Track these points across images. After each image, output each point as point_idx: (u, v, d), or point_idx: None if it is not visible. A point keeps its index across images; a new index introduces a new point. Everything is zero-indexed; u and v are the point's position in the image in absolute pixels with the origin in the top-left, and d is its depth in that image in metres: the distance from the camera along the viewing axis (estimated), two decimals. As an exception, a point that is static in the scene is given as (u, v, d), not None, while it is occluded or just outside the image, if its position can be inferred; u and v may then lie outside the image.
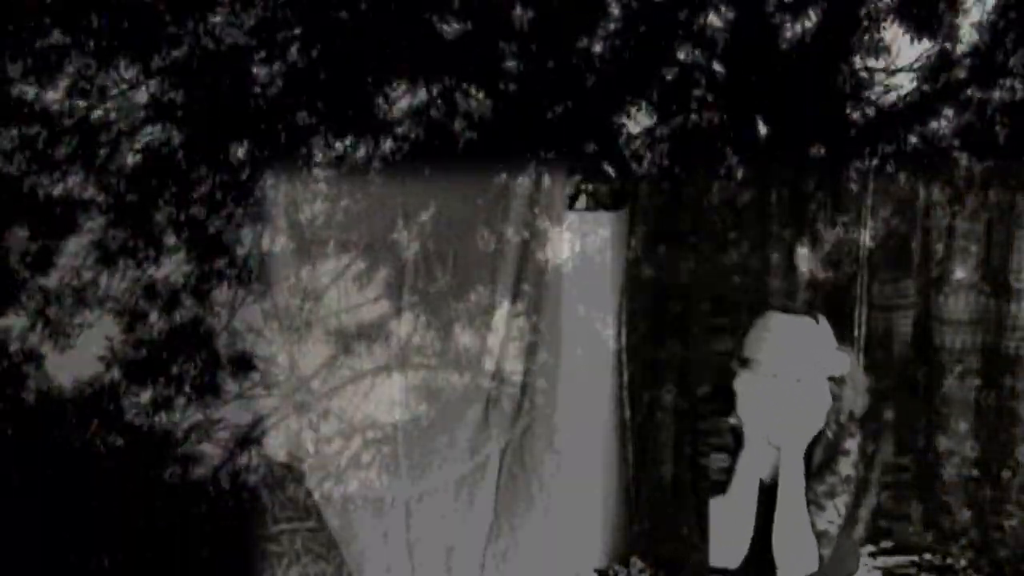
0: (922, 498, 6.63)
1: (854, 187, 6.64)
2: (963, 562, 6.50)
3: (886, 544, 6.62)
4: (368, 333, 6.33)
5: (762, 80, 7.05)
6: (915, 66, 7.16)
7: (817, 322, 3.42)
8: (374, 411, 6.29)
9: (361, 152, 7.02)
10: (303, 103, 6.93)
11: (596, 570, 6.77)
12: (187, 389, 6.89)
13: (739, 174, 6.95)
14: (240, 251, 7.02)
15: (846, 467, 3.46)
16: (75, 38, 6.84)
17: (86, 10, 6.77)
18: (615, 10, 7.11)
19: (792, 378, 3.36)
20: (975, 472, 6.55)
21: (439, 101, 7.08)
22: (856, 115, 7.13)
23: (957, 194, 6.55)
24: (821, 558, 3.44)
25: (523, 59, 7.03)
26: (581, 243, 6.74)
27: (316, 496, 6.09)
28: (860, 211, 6.59)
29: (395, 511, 6.21)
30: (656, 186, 6.75)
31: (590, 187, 6.93)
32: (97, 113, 6.98)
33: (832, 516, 3.43)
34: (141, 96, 6.99)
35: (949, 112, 7.03)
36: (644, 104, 7.16)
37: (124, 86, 6.97)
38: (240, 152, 6.97)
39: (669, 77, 7.15)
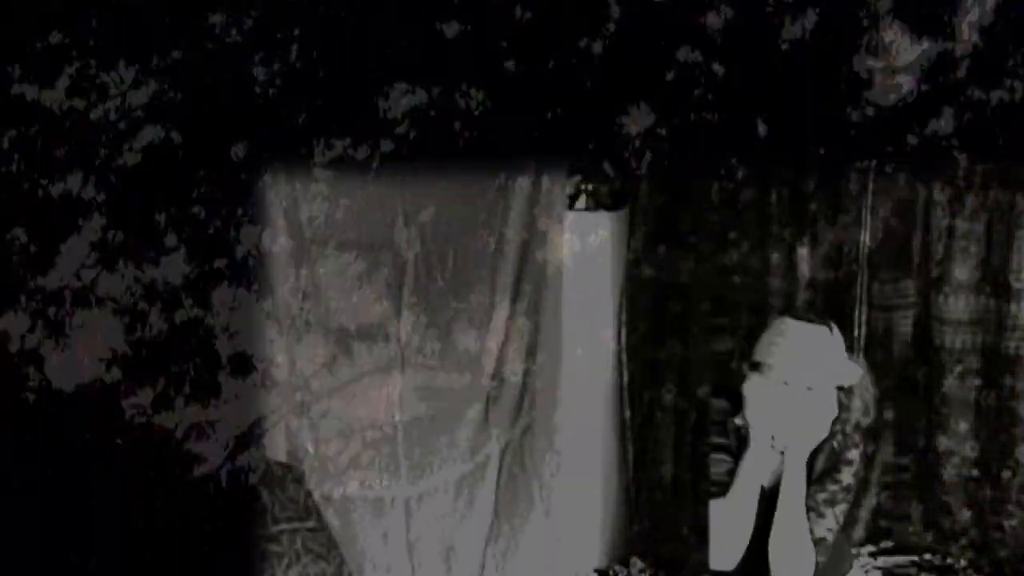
0: (922, 498, 6.63)
1: (854, 187, 6.65)
2: (963, 562, 6.50)
3: (886, 544, 6.62)
4: (368, 333, 6.32)
5: (762, 80, 7.04)
6: (915, 66, 7.15)
7: (831, 332, 3.42)
8: (374, 411, 6.28)
9: (360, 152, 7.01)
10: (302, 103, 6.92)
11: (596, 570, 6.77)
12: (187, 389, 6.87)
13: (739, 174, 6.95)
14: (240, 251, 7.01)
15: (847, 476, 3.47)
16: (74, 38, 6.83)
17: (85, 10, 6.76)
18: (615, 10, 7.10)
19: (803, 385, 3.36)
20: (975, 472, 6.56)
21: (438, 101, 7.08)
22: (856, 115, 7.12)
23: (957, 194, 6.55)
24: (817, 564, 3.45)
25: (523, 59, 7.03)
26: (581, 243, 6.74)
27: (316, 496, 6.08)
28: (860, 211, 6.59)
29: (395, 511, 6.21)
30: (656, 186, 6.75)
31: (590, 187, 6.93)
32: (96, 113, 6.97)
33: (831, 524, 3.44)
34: (141, 96, 6.97)
35: (949, 112, 7.02)
36: (644, 104, 7.15)
37: (124, 86, 6.96)
38: (240, 152, 6.96)
39: (669, 77, 7.15)
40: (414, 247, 6.34)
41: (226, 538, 6.00)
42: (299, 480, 6.11)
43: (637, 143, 7.11)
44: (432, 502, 6.28)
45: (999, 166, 6.56)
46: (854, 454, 3.49)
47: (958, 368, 6.54)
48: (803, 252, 6.65)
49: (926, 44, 6.95)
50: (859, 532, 6.63)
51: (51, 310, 6.83)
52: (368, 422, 6.25)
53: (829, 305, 6.62)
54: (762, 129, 7.15)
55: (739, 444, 3.53)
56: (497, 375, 6.41)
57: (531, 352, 6.44)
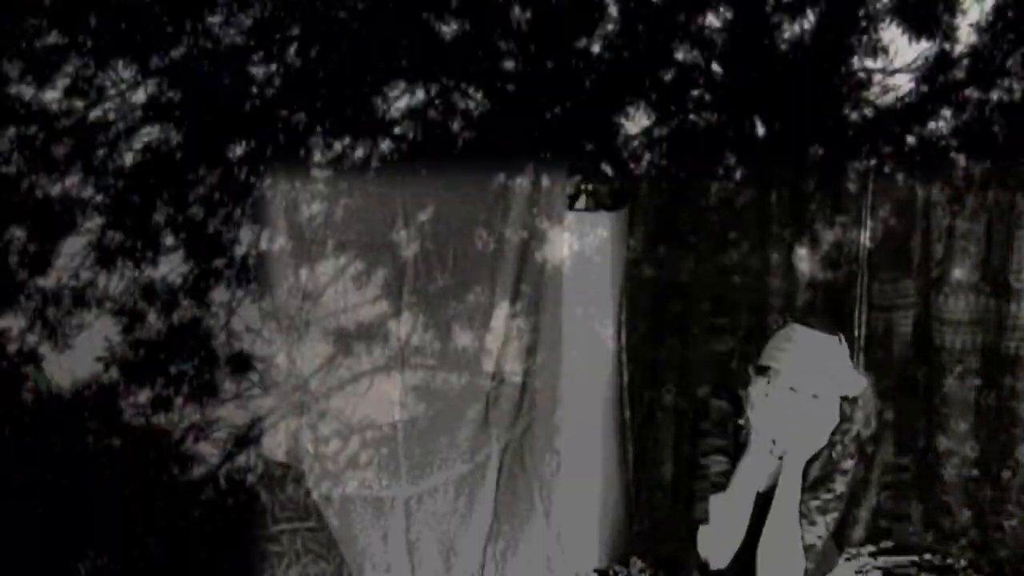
0: (922, 498, 6.62)
1: (853, 187, 6.64)
2: (963, 562, 6.50)
3: (886, 544, 6.62)
4: (367, 333, 6.32)
5: (761, 80, 7.05)
6: (913, 66, 7.17)
7: (839, 342, 3.43)
8: (373, 411, 6.28)
9: (359, 152, 7.01)
10: (301, 103, 6.93)
11: (596, 570, 6.76)
12: (185, 389, 6.88)
13: (738, 174, 6.95)
14: (238, 251, 7.02)
15: (841, 485, 3.48)
16: (73, 38, 6.83)
17: (84, 10, 6.75)
18: (613, 10, 7.11)
19: (809, 392, 3.36)
20: (975, 472, 6.55)
21: (437, 101, 7.08)
22: (855, 115, 7.13)
23: (957, 194, 6.55)
24: (806, 571, 3.46)
25: (522, 59, 7.03)
26: (581, 243, 6.74)
27: (316, 496, 6.08)
28: (860, 211, 6.59)
29: (395, 511, 6.20)
30: (656, 186, 6.74)
31: (590, 187, 6.92)
32: (95, 113, 6.97)
33: (821, 531, 3.45)
34: (139, 96, 6.98)
35: (948, 112, 7.03)
36: (643, 104, 7.16)
37: (122, 86, 6.96)
38: (238, 152, 6.97)
39: (668, 77, 7.15)
40: (413, 247, 6.33)
41: (226, 538, 6.00)
42: (298, 480, 6.11)
43: (636, 143, 7.13)
44: (432, 502, 6.27)
45: (998, 166, 6.56)
46: (849, 464, 3.50)
47: (958, 368, 6.54)
48: (803, 252, 6.65)
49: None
50: (859, 532, 6.63)
51: (50, 310, 6.83)
52: (368, 422, 6.24)
53: (829, 305, 6.62)
54: (761, 129, 7.16)
55: (737, 446, 3.53)
56: (497, 375, 6.40)
57: (531, 352, 6.44)
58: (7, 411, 6.34)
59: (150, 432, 6.56)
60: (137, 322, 6.95)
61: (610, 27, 7.09)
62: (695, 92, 7.12)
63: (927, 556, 6.55)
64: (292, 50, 6.95)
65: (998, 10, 6.98)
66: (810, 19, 7.11)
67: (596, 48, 7.02)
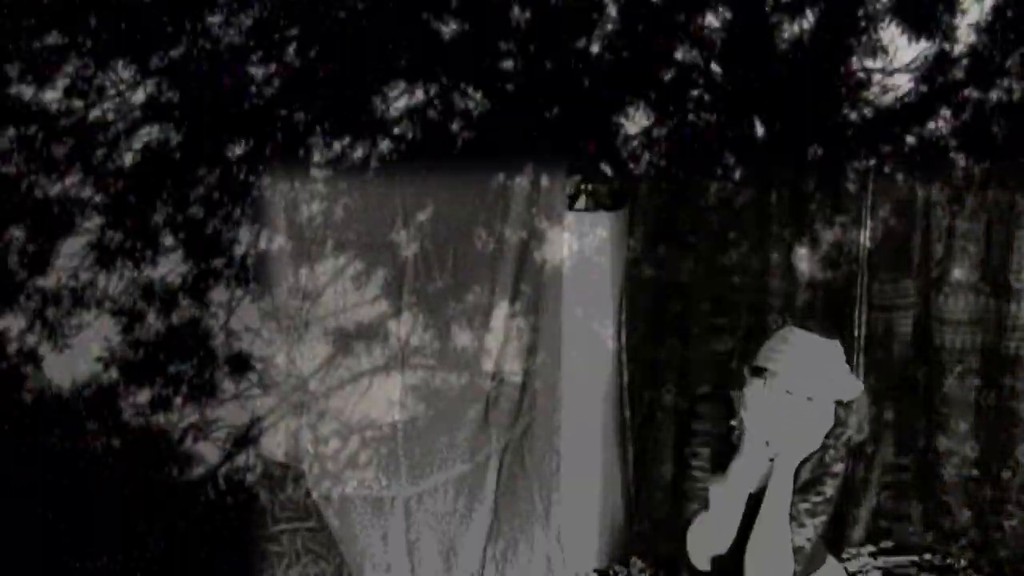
0: (922, 498, 6.63)
1: (853, 187, 6.65)
2: (963, 562, 6.50)
3: (886, 544, 6.62)
4: (367, 333, 6.32)
5: (760, 80, 7.05)
6: (913, 66, 7.17)
7: (836, 345, 3.43)
8: (373, 411, 6.28)
9: (359, 152, 7.01)
10: (301, 103, 6.92)
11: (596, 570, 6.76)
12: (185, 389, 6.87)
13: (738, 174, 6.96)
14: (238, 251, 7.01)
15: (830, 488, 3.48)
16: (73, 38, 6.82)
17: (84, 10, 6.75)
18: (613, 10, 7.11)
19: (805, 396, 3.37)
20: (975, 472, 6.56)
21: (437, 101, 7.08)
22: (854, 115, 7.13)
23: (956, 194, 6.55)
24: (794, 573, 3.46)
25: (521, 59, 7.03)
26: (580, 243, 6.74)
27: (316, 496, 6.07)
28: (859, 211, 6.59)
29: (395, 511, 6.20)
30: (655, 186, 6.74)
31: (590, 187, 6.92)
32: (95, 113, 6.96)
33: (810, 534, 3.45)
34: (139, 96, 6.97)
35: (948, 112, 7.04)
36: (642, 104, 7.16)
37: (122, 86, 6.95)
38: (238, 152, 6.96)
39: (667, 77, 7.15)
40: (413, 247, 6.33)
41: (226, 538, 6.00)
42: (298, 480, 6.11)
43: (635, 143, 7.13)
44: (432, 502, 6.27)
45: (998, 166, 6.57)
46: (840, 468, 3.50)
47: (958, 368, 6.54)
48: (803, 252, 6.65)
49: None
50: (859, 532, 6.64)
51: (49, 310, 6.83)
52: (367, 422, 6.24)
53: (829, 305, 6.62)
54: (761, 129, 7.16)
55: (730, 447, 3.53)
56: (497, 375, 6.40)
57: (530, 352, 6.44)
58: (7, 411, 6.34)
59: (150, 432, 6.56)
60: (137, 322, 6.95)
61: (610, 27, 7.09)
62: (695, 92, 7.12)
63: (927, 556, 6.56)
64: (292, 50, 6.95)
65: (998, 10, 6.98)
66: (810, 19, 7.11)
67: (596, 48, 7.01)
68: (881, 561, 6.53)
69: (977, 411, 6.52)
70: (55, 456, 6.11)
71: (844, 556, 6.53)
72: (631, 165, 7.19)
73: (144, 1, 6.81)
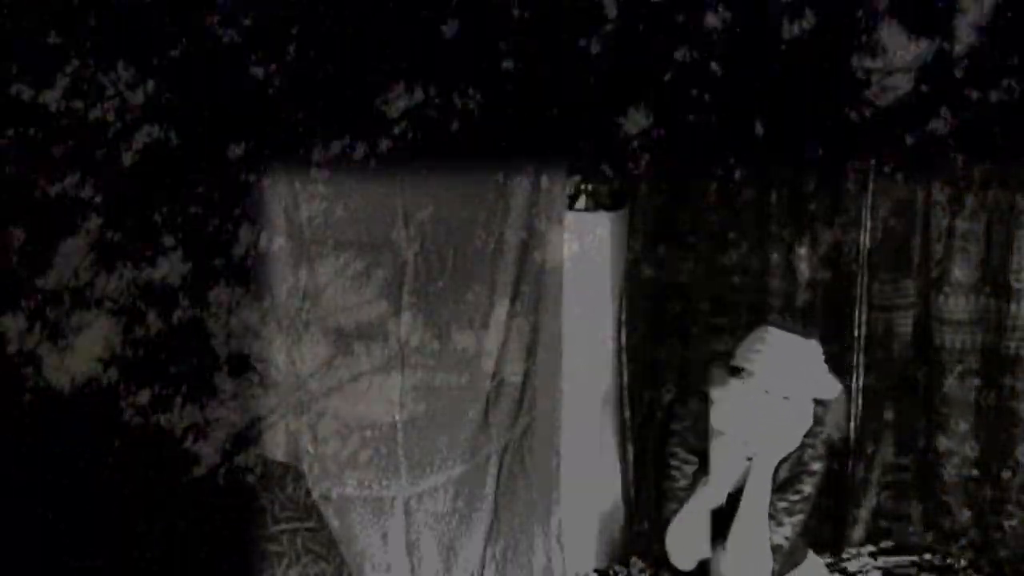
0: (922, 498, 6.64)
1: (853, 187, 6.66)
2: (963, 562, 6.51)
3: (886, 544, 6.63)
4: (367, 333, 6.32)
5: (760, 80, 7.05)
6: (913, 66, 7.16)
7: (814, 344, 3.44)
8: (372, 411, 6.28)
9: (359, 152, 7.00)
10: (301, 102, 6.92)
11: (596, 570, 6.77)
12: (185, 389, 6.86)
13: (737, 174, 6.96)
14: (238, 251, 7.00)
15: (809, 487, 3.50)
16: (72, 38, 6.81)
17: (84, 10, 6.74)
18: (613, 10, 7.11)
19: (781, 395, 3.38)
20: (975, 472, 6.58)
21: (437, 101, 7.07)
22: (854, 115, 7.13)
23: (956, 194, 6.57)
24: (773, 572, 3.48)
25: (521, 59, 7.02)
26: (580, 243, 6.75)
27: (315, 496, 6.07)
28: (859, 211, 6.60)
29: (395, 511, 6.20)
30: (655, 186, 6.75)
31: (590, 187, 6.93)
32: (94, 113, 6.95)
33: (788, 532, 3.48)
34: (139, 96, 6.96)
35: (948, 112, 7.03)
36: (642, 104, 7.15)
37: (122, 86, 6.94)
38: (238, 152, 6.95)
39: (667, 77, 7.15)
40: (413, 247, 6.33)
41: (226, 538, 5.99)
42: (298, 480, 6.10)
43: (635, 143, 7.12)
44: (432, 502, 6.28)
45: (998, 166, 6.58)
46: (819, 466, 3.53)
47: (958, 368, 6.55)
48: (802, 252, 6.66)
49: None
50: (859, 532, 6.65)
51: (49, 310, 6.82)
52: (367, 422, 6.24)
53: (829, 305, 6.64)
54: (760, 129, 7.16)
55: (708, 447, 3.56)
56: (497, 375, 6.41)
57: (531, 352, 6.44)
58: (7, 411, 6.33)
59: (150, 432, 6.55)
60: (137, 322, 6.93)
61: (610, 27, 7.08)
62: (695, 92, 7.12)
63: (927, 556, 6.57)
64: (292, 50, 6.94)
65: (998, 10, 6.98)
66: (810, 19, 7.11)
67: (596, 48, 7.01)
68: (881, 561, 6.54)
69: (977, 411, 6.53)
70: (55, 456, 6.10)
71: (844, 556, 6.54)
72: (631, 165, 7.18)
73: (144, 1, 6.80)
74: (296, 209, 6.26)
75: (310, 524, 6.02)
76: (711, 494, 3.49)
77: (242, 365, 6.79)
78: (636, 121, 7.16)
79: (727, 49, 7.10)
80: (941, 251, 6.57)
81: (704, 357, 6.55)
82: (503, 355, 6.42)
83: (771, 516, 3.47)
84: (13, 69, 6.79)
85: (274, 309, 6.28)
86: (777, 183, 6.70)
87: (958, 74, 7.07)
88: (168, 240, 6.96)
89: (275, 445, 6.28)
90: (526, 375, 6.42)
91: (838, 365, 6.49)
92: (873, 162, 6.80)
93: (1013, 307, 6.45)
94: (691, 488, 3.53)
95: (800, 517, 3.51)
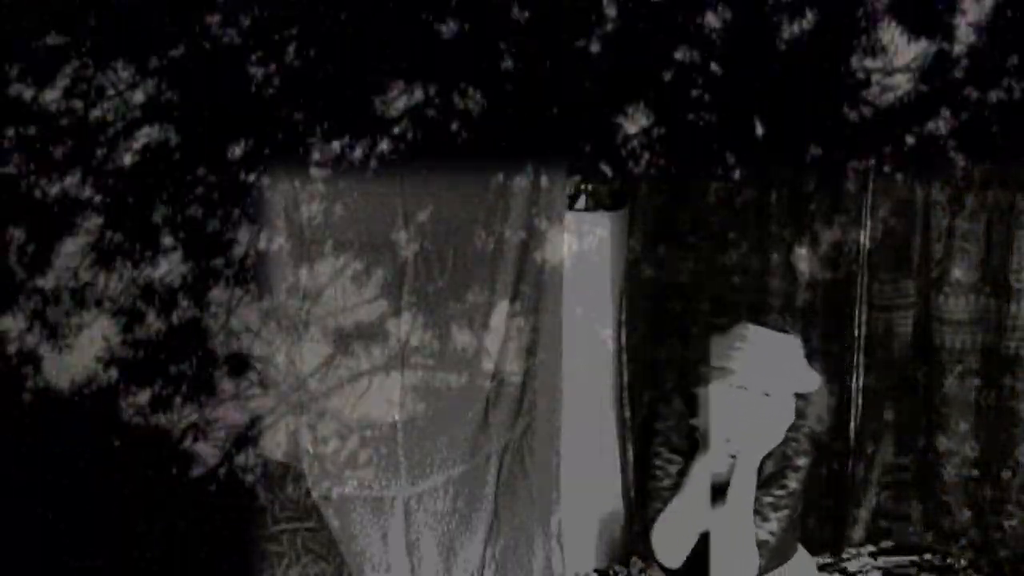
0: (922, 498, 6.64)
1: (853, 187, 6.65)
2: (963, 562, 6.51)
3: (886, 544, 6.63)
4: (366, 333, 6.32)
5: (760, 80, 7.04)
6: (913, 66, 7.16)
7: (792, 339, 3.45)
8: (372, 411, 6.28)
9: (359, 152, 7.00)
10: (300, 102, 6.92)
11: (596, 570, 6.77)
12: (184, 389, 6.86)
13: (737, 174, 6.95)
14: (238, 251, 7.00)
15: (794, 482, 3.51)
16: (72, 38, 6.82)
17: (84, 10, 6.74)
18: (612, 10, 7.10)
19: (761, 391, 3.39)
20: (975, 472, 6.57)
21: (436, 100, 7.07)
22: (854, 115, 7.12)
23: (956, 194, 6.56)
24: (759, 568, 3.48)
25: (521, 59, 7.02)
26: (580, 243, 6.74)
27: (315, 496, 6.08)
28: (859, 211, 6.60)
29: (395, 511, 6.20)
30: (655, 186, 6.75)
31: (590, 187, 6.93)
32: (94, 113, 6.95)
33: (773, 527, 3.48)
34: (138, 96, 6.96)
35: (948, 112, 7.03)
36: (642, 104, 7.15)
37: (121, 86, 6.94)
38: (237, 152, 6.95)
39: (667, 77, 7.15)
40: (413, 247, 6.34)
41: (226, 538, 5.99)
42: (298, 480, 6.11)
43: (636, 143, 7.12)
44: (432, 502, 6.28)
45: (998, 166, 6.57)
46: (803, 461, 3.54)
47: (958, 368, 6.55)
48: (803, 252, 6.66)
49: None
50: (859, 532, 6.64)
51: (49, 310, 6.82)
52: (367, 422, 6.24)
53: (829, 305, 6.63)
54: (760, 129, 7.15)
55: (692, 445, 3.56)
56: (497, 375, 6.40)
57: (530, 352, 6.44)
58: (7, 411, 6.33)
59: (150, 432, 6.55)
60: (136, 322, 6.94)
61: (610, 27, 7.08)
62: (695, 92, 7.11)
63: (927, 556, 6.56)
64: (292, 50, 6.94)
65: (998, 10, 6.97)
66: (810, 19, 7.10)
67: (596, 48, 7.01)
68: (881, 561, 6.53)
69: (977, 411, 6.53)
70: (55, 456, 6.10)
71: (844, 556, 6.53)
72: (631, 165, 7.17)
73: (144, 1, 6.80)
74: (296, 209, 6.26)
75: (310, 524, 6.02)
76: (696, 492, 3.50)
77: (242, 365, 6.79)
78: (636, 121, 7.16)
79: (727, 49, 7.09)
80: (941, 251, 6.57)
81: (704, 357, 6.55)
82: (503, 355, 6.42)
83: (757, 512, 3.48)
84: (13, 69, 6.80)
85: (274, 309, 6.28)
86: (777, 183, 6.69)
87: (958, 74, 7.06)
88: (168, 240, 6.96)
89: (275, 445, 6.28)
90: (526, 375, 6.42)
91: (838, 365, 6.53)
92: (873, 162, 6.79)
93: (1013, 307, 6.45)
94: (675, 488, 3.54)
95: (786, 512, 3.52)
